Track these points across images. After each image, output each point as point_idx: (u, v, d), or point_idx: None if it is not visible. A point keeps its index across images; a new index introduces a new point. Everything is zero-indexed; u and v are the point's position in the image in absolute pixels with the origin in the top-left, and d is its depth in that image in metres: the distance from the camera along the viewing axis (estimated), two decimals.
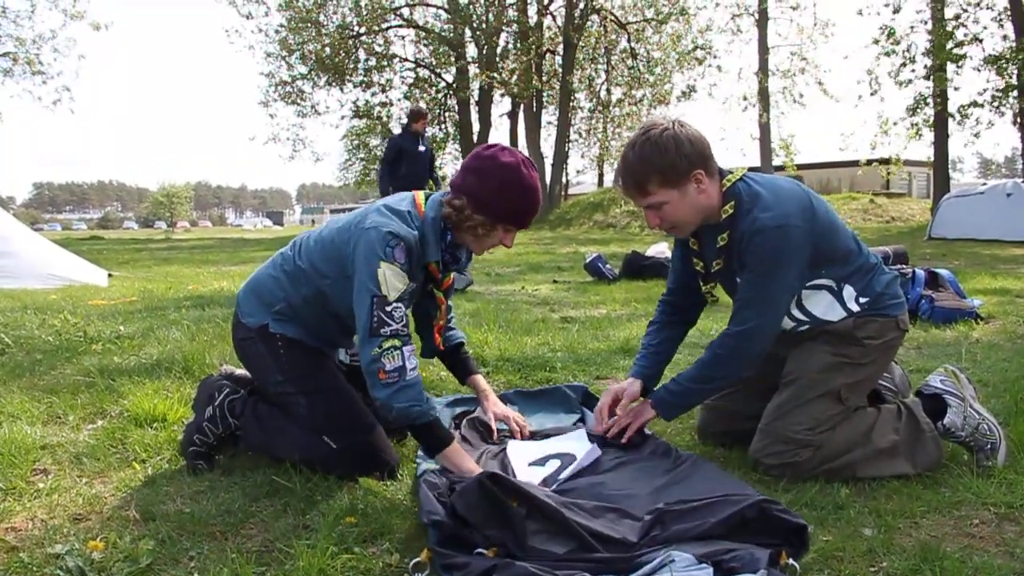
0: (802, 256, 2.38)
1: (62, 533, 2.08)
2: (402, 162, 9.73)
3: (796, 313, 2.53)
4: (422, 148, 9.81)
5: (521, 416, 2.86)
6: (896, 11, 24.15)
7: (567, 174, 39.20)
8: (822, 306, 2.51)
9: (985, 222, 16.98)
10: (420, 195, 2.58)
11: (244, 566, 1.85)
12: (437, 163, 9.74)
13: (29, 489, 2.41)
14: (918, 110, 24.31)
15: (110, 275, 10.37)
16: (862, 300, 2.52)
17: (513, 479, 1.90)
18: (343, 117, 41.85)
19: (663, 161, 2.33)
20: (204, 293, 7.93)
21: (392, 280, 2.36)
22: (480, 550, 1.81)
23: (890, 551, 1.95)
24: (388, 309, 2.35)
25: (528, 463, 2.54)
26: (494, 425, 2.79)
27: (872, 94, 24.83)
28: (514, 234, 2.56)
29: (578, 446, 2.60)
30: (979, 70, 23.50)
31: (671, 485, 2.17)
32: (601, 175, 44.72)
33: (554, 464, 2.49)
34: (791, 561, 1.77)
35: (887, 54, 24.73)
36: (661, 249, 10.40)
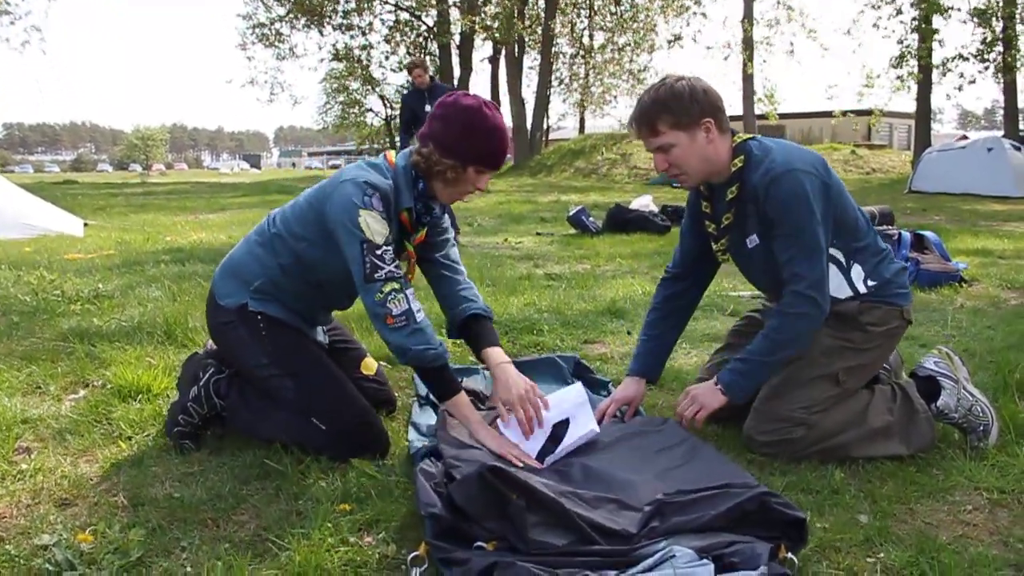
0: (820, 201, 2.36)
1: (48, 521, 2.03)
2: (417, 122, 9.59)
3: (782, 280, 2.50)
4: (428, 108, 9.58)
5: (536, 397, 2.57)
6: None
7: (548, 120, 38.87)
8: (831, 282, 2.47)
9: (965, 177, 17.05)
10: (391, 152, 2.55)
11: (238, 558, 1.82)
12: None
13: (12, 470, 2.35)
14: (903, 63, 24.21)
15: (85, 224, 10.19)
16: (870, 283, 2.51)
17: (512, 471, 1.87)
18: (322, 60, 41.07)
19: (677, 103, 2.37)
20: (183, 246, 7.82)
21: (375, 225, 2.33)
22: (480, 543, 1.79)
23: (887, 540, 1.95)
24: (379, 252, 2.32)
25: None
26: (505, 413, 2.54)
27: (859, 47, 24.72)
28: (487, 176, 2.51)
29: (575, 409, 2.54)
30: (965, 22, 23.39)
31: (670, 470, 2.15)
32: (582, 121, 44.41)
33: (546, 433, 2.46)
34: (790, 555, 1.76)
35: (874, 7, 24.56)
36: (645, 202, 10.37)
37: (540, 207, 14.74)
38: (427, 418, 2.69)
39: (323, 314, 2.77)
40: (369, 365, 2.83)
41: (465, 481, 1.84)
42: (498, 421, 2.51)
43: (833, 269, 2.49)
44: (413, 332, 2.33)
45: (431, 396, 2.81)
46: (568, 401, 2.64)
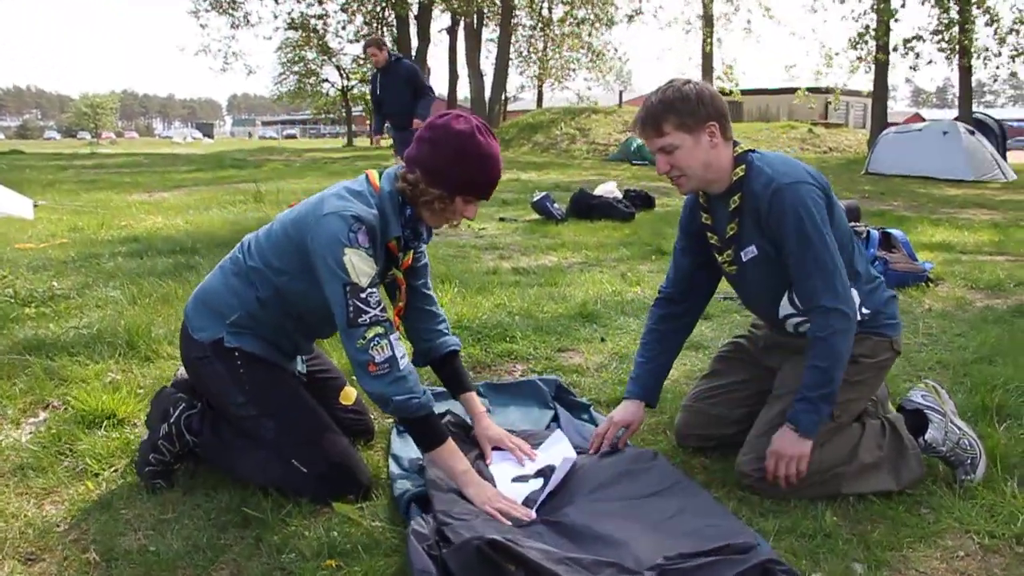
0: (823, 212, 2.34)
1: None
2: (378, 107, 9.50)
3: (796, 301, 2.47)
4: (379, 90, 9.37)
5: (517, 439, 2.65)
6: None
7: (506, 93, 38.61)
8: None
9: (921, 160, 17.30)
10: (373, 172, 2.41)
11: None
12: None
13: None
14: (862, 42, 24.40)
15: (36, 205, 9.87)
16: (864, 311, 2.48)
17: (512, 544, 1.80)
18: (277, 29, 40.43)
19: (683, 105, 2.34)
20: (139, 233, 7.60)
21: (360, 265, 2.20)
22: None
23: None
24: (363, 296, 2.20)
25: (511, 479, 2.45)
26: (488, 453, 2.60)
27: (819, 24, 24.99)
28: (475, 206, 2.41)
29: (559, 454, 2.51)
30: (923, 2, 23.60)
31: (666, 521, 2.10)
32: (540, 94, 44.20)
33: (536, 483, 2.41)
34: None
35: None
36: (609, 188, 10.33)
37: (500, 187, 14.27)
38: (408, 449, 2.60)
39: (305, 343, 2.67)
40: (348, 395, 2.74)
41: (461, 549, 1.78)
42: (487, 462, 2.49)
43: None
44: (396, 380, 2.22)
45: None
46: (550, 447, 2.60)
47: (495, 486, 2.35)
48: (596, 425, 2.87)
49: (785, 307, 2.51)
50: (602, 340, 4.18)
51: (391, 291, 2.56)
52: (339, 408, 2.69)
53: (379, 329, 2.22)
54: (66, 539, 2.14)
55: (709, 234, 2.58)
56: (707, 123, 2.36)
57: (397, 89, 9.20)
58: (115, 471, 2.54)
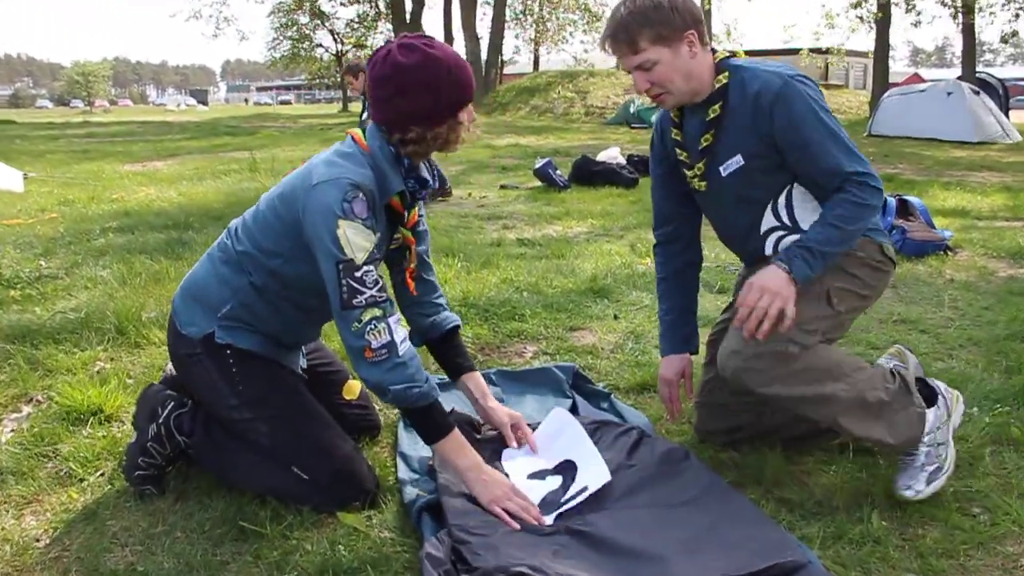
0: (826, 105, 2.17)
1: None
2: None
3: (781, 213, 2.29)
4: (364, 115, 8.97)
5: (524, 423, 2.47)
6: None
7: (502, 56, 38.10)
8: (809, 214, 2.25)
9: (924, 121, 17.00)
10: (357, 131, 2.18)
11: None
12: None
13: None
14: (861, 3, 24.01)
15: (26, 177, 9.64)
16: None
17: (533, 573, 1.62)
18: None
19: (657, 15, 2.15)
20: (130, 208, 7.38)
21: (356, 239, 1.99)
22: None
23: None
24: (358, 275, 1.99)
25: (527, 475, 2.27)
26: (509, 436, 2.42)
27: None
28: (470, 105, 2.18)
29: (579, 451, 2.32)
30: None
31: (704, 534, 1.91)
32: (536, 58, 43.68)
33: (555, 481, 2.23)
34: None
35: None
36: (612, 154, 10.10)
37: (499, 151, 14.39)
38: (417, 446, 2.41)
39: (309, 331, 2.45)
40: (352, 389, 2.53)
41: None
42: (504, 454, 2.34)
43: (814, 203, 2.26)
44: (394, 367, 2.02)
45: None
46: (560, 432, 2.42)
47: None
48: (618, 415, 2.69)
49: (769, 220, 2.31)
50: (615, 317, 4.00)
51: (400, 255, 2.33)
52: (342, 403, 2.49)
53: (376, 311, 2.01)
54: (46, 556, 1.96)
55: (678, 151, 2.41)
56: (685, 31, 2.16)
57: None
58: (101, 475, 2.35)
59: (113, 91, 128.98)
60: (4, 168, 9.53)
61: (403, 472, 2.31)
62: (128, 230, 6.13)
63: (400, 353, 2.03)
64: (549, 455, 2.34)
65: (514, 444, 2.40)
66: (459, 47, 34.39)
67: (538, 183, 9.34)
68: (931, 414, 2.27)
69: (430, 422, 2.11)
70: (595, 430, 2.42)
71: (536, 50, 42.22)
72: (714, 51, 2.26)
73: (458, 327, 2.52)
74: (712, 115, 2.24)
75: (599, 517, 2.01)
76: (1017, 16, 23.40)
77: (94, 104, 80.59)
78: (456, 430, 2.14)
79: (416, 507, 2.06)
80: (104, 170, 11.09)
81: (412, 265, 2.35)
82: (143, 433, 2.25)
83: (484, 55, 32.00)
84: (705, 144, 2.28)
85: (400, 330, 2.06)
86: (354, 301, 2.00)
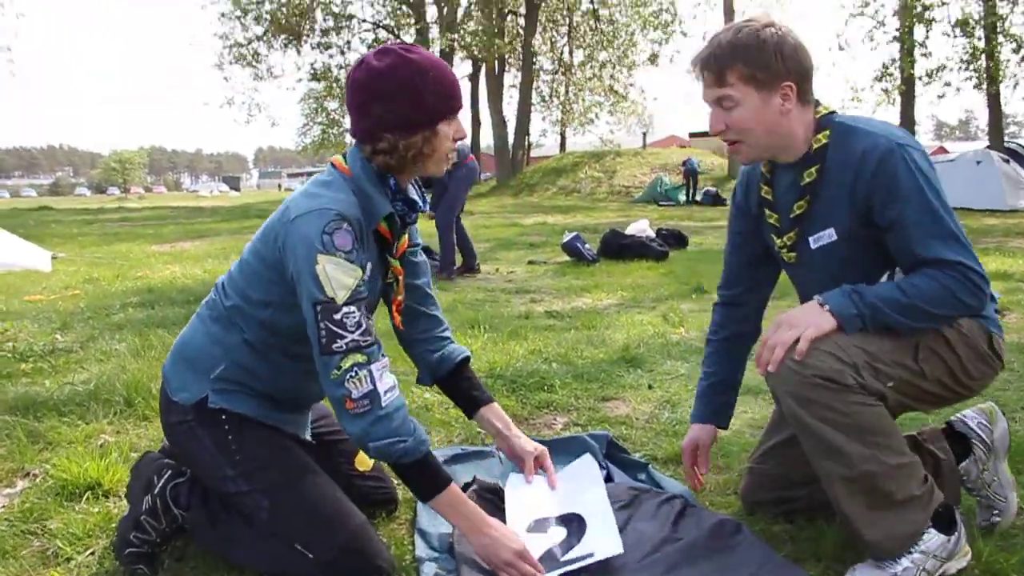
0: (936, 178, 1.86)
1: None
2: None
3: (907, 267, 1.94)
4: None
5: (549, 459, 2.31)
6: None
7: (529, 138, 38.55)
8: None
9: (955, 190, 16.69)
10: (338, 157, 2.02)
11: None
12: None
13: None
14: (885, 76, 24.11)
15: (54, 257, 9.67)
16: None
17: None
18: (300, 80, 40.65)
19: (758, 55, 1.89)
20: (154, 284, 7.30)
21: (337, 276, 1.80)
22: None
23: None
24: (338, 316, 1.81)
25: (527, 527, 2.07)
26: (529, 467, 2.26)
27: (844, 59, 24.83)
28: (457, 121, 2.00)
29: (592, 510, 2.11)
30: (947, 35, 23.29)
31: None
32: (563, 139, 44.14)
33: (558, 534, 2.03)
34: None
35: (855, 15, 24.49)
36: (641, 227, 9.97)
37: (527, 230, 14.35)
38: (437, 522, 2.19)
39: (313, 390, 2.19)
40: (364, 460, 2.31)
41: None
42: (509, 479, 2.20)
43: None
44: (377, 420, 1.82)
45: None
46: (580, 482, 2.23)
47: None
48: (656, 486, 2.46)
49: None
50: (649, 387, 3.77)
51: (388, 287, 2.15)
52: (355, 475, 2.27)
53: (359, 357, 1.83)
54: None
55: (768, 212, 2.15)
56: (782, 81, 1.91)
57: None
58: (91, 554, 2.14)
59: (149, 179, 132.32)
60: (33, 249, 9.59)
61: (421, 550, 2.08)
62: (149, 305, 6.03)
63: (383, 404, 1.84)
64: (558, 501, 2.15)
65: (531, 476, 2.22)
66: (486, 130, 34.90)
67: (566, 258, 9.21)
68: (937, 538, 1.90)
69: (420, 478, 1.92)
70: (633, 498, 2.20)
71: (563, 131, 42.70)
72: (818, 104, 2.01)
73: (468, 359, 2.34)
74: (807, 179, 1.99)
75: None
76: None
77: (130, 191, 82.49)
78: (453, 485, 1.93)
79: None
80: (132, 251, 11.12)
81: (399, 297, 2.16)
82: (137, 505, 2.06)
83: (511, 138, 32.37)
84: (798, 212, 2.03)
85: (387, 378, 1.87)
86: (334, 346, 1.82)
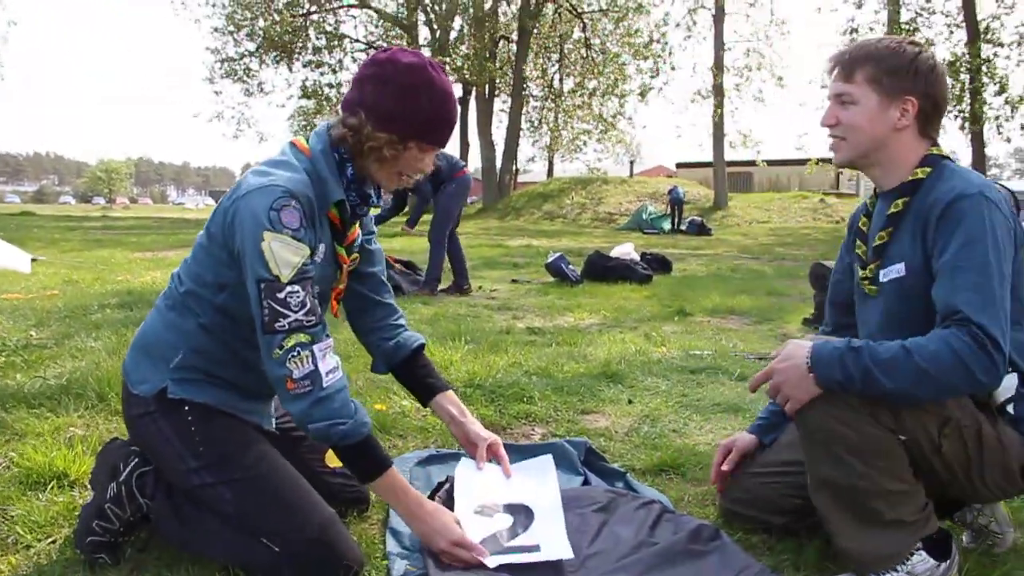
0: (1009, 248, 1.80)
1: None
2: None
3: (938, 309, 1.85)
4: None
5: (502, 448, 2.30)
6: (858, 6, 24.21)
7: (517, 163, 38.68)
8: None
9: None
10: (299, 137, 2.00)
11: None
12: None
13: None
14: None
15: (34, 260, 9.57)
16: (1010, 409, 1.89)
17: None
18: (290, 97, 40.81)
19: (892, 61, 1.91)
20: (133, 287, 7.22)
21: (282, 253, 1.77)
22: None
23: None
24: (281, 295, 1.78)
25: (474, 509, 2.06)
26: (482, 454, 2.25)
27: (825, 88, 25.09)
28: (431, 155, 1.98)
29: (542, 504, 2.10)
30: None
31: None
32: (551, 164, 44.34)
33: (504, 520, 2.02)
34: None
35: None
36: (626, 250, 9.99)
37: (511, 251, 14.34)
38: None
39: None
40: (334, 455, 2.28)
41: None
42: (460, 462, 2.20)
43: (1010, 375, 1.86)
44: (317, 401, 1.80)
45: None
46: (532, 475, 2.22)
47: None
48: (633, 491, 2.43)
49: None
50: (629, 402, 3.74)
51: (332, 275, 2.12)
52: (324, 471, 2.23)
53: (301, 337, 1.80)
54: None
55: (858, 243, 2.12)
56: (906, 95, 1.91)
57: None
58: (52, 542, 2.07)
59: (135, 190, 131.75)
60: (13, 250, 9.47)
61: (392, 547, 2.04)
62: (127, 307, 5.95)
63: (324, 385, 1.82)
64: (508, 490, 2.14)
65: (482, 464, 2.21)
66: (475, 153, 35.00)
67: (550, 279, 9.19)
68: (927, 562, 1.84)
69: (360, 461, 1.90)
70: (611, 501, 2.16)
71: (551, 158, 42.89)
72: (935, 143, 1.99)
73: (423, 345, 2.33)
74: (894, 209, 1.96)
75: None
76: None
77: (115, 201, 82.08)
78: (394, 469, 1.92)
79: None
80: (114, 256, 11.04)
81: (340, 287, 2.14)
82: (101, 493, 2.00)
83: (499, 162, 32.47)
84: (880, 242, 2.00)
85: (329, 359, 1.84)
86: (276, 325, 1.79)
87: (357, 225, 2.11)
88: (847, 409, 1.75)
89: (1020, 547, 2.13)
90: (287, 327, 1.78)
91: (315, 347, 1.81)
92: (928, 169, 1.93)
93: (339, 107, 1.99)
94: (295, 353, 1.79)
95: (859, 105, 1.93)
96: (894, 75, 1.90)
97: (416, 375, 2.32)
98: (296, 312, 1.79)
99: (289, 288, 1.79)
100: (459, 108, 1.89)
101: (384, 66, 1.89)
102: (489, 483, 2.18)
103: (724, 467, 2.32)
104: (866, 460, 1.77)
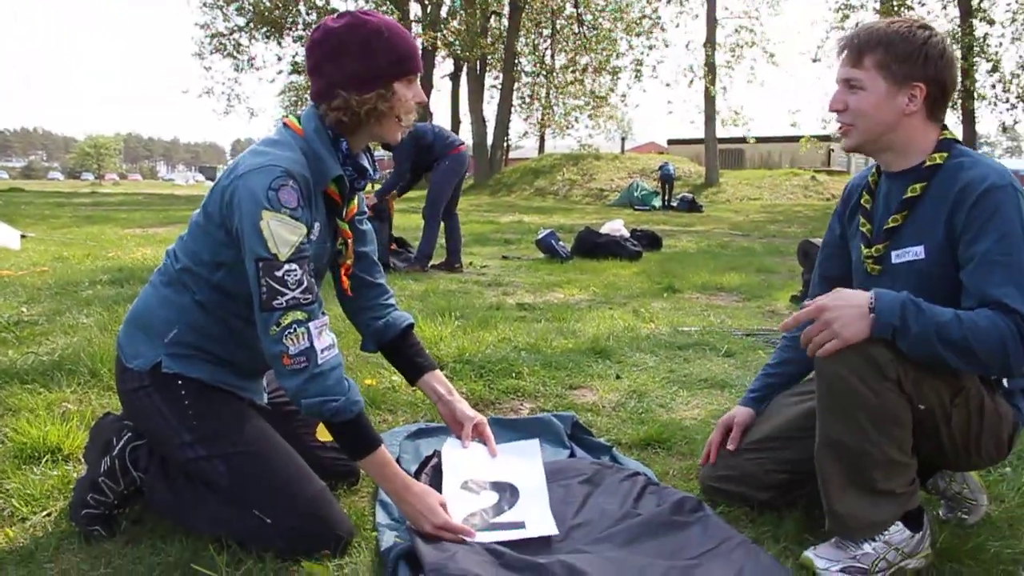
0: None
1: None
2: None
3: (969, 299, 1.88)
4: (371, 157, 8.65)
5: (488, 428, 2.35)
6: None
7: (508, 139, 38.58)
8: None
9: None
10: (291, 118, 2.04)
11: None
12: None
13: None
14: None
15: (23, 236, 9.55)
16: (1005, 382, 1.97)
17: None
18: (280, 72, 40.53)
19: (902, 46, 1.90)
20: (125, 264, 7.22)
21: (280, 232, 1.81)
22: None
23: None
24: (279, 274, 1.81)
25: (460, 484, 2.11)
26: (468, 427, 2.30)
27: (824, 71, 25.06)
28: (416, 83, 2.02)
29: (527, 483, 2.14)
30: None
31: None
32: (542, 141, 44.22)
33: (489, 498, 2.07)
34: None
35: (837, 27, 24.75)
36: (616, 227, 9.99)
37: (502, 227, 14.35)
38: None
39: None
40: (325, 430, 2.32)
41: None
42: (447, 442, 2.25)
43: None
44: (311, 378, 1.84)
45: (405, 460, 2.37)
46: (518, 455, 2.27)
47: (440, 489, 2.08)
48: (619, 465, 2.47)
49: None
50: (617, 377, 3.79)
51: (338, 254, 2.18)
52: (316, 446, 2.27)
53: (298, 315, 1.83)
54: None
55: (862, 220, 2.13)
56: (915, 81, 1.91)
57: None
58: (47, 515, 2.12)
59: (124, 166, 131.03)
60: (3, 227, 9.43)
61: (381, 518, 2.08)
62: (119, 283, 5.97)
63: (319, 362, 1.85)
64: (493, 469, 2.19)
65: (467, 442, 2.26)
66: (466, 129, 34.89)
67: (540, 255, 9.22)
68: (903, 532, 1.90)
69: (351, 437, 1.94)
70: (596, 472, 2.21)
71: (542, 134, 42.76)
72: (945, 127, 2.01)
73: (412, 325, 2.37)
74: (911, 194, 1.98)
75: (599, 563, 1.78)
76: (1014, 106, 23.61)
77: (104, 177, 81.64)
78: (383, 448, 1.96)
79: (393, 554, 1.83)
80: (104, 232, 11.00)
81: (348, 262, 2.19)
82: (95, 467, 2.04)
83: (490, 138, 32.39)
84: (892, 224, 2.02)
85: (325, 337, 1.88)
86: (274, 302, 1.83)
87: (356, 202, 2.14)
88: (873, 370, 1.78)
89: (993, 519, 2.19)
90: (284, 305, 1.82)
91: (311, 324, 1.85)
92: (945, 154, 1.95)
93: (312, 104, 2.02)
94: (292, 330, 1.82)
95: (867, 91, 1.93)
96: (904, 62, 1.90)
97: (405, 354, 2.35)
98: (293, 290, 1.83)
99: (287, 266, 1.82)
100: (407, 29, 1.93)
101: (328, 42, 1.93)
102: (476, 461, 2.23)
103: (729, 446, 2.32)
104: (880, 427, 1.81)
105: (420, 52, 2.03)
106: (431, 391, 2.34)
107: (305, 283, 1.85)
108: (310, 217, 1.94)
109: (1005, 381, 1.97)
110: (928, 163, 1.96)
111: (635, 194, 24.65)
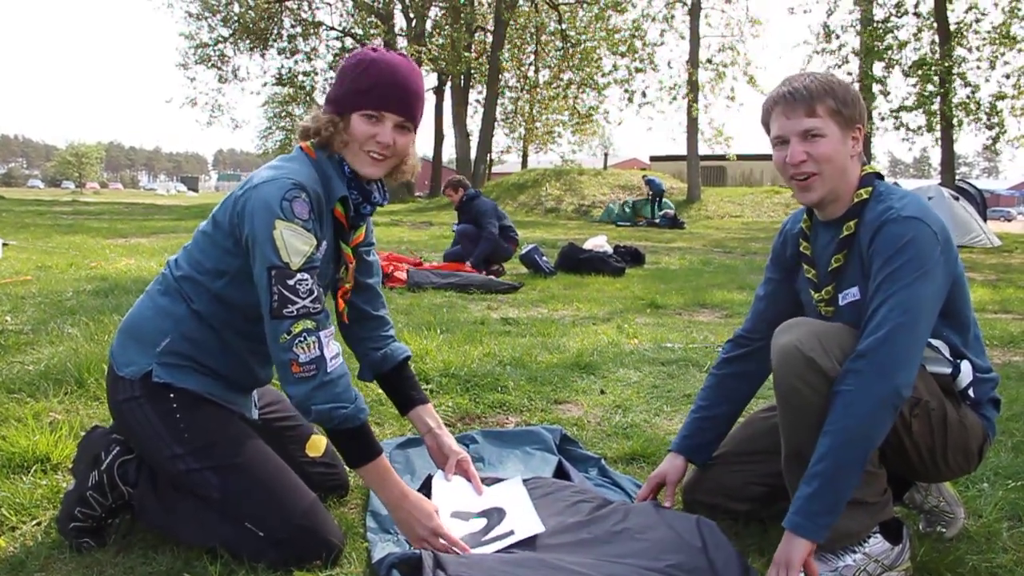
0: (939, 266, 1.88)
1: None
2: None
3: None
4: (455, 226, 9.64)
5: (471, 465, 2.34)
6: (830, 13, 24.47)
7: (492, 154, 38.64)
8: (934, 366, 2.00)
9: None
10: (305, 142, 2.08)
11: None
12: None
13: None
14: None
15: (5, 244, 9.49)
16: (971, 394, 2.03)
17: None
18: (265, 84, 40.38)
19: (843, 93, 1.98)
20: (108, 274, 7.21)
21: (292, 242, 1.85)
22: None
23: None
24: (291, 282, 1.85)
25: (451, 512, 2.14)
26: (452, 461, 2.30)
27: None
28: (386, 124, 1.99)
29: (512, 504, 2.18)
30: (907, 75, 23.83)
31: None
32: (525, 155, 44.32)
33: (478, 523, 2.10)
34: None
35: (819, 52, 25.00)
36: (599, 243, 10.05)
37: None
38: None
39: (260, 370, 2.22)
40: (316, 445, 2.33)
41: None
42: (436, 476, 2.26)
43: (942, 363, 2.00)
44: (321, 385, 1.87)
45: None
46: (503, 491, 2.28)
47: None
48: (610, 480, 2.54)
49: None
50: (602, 392, 3.83)
51: (338, 274, 2.21)
52: (305, 461, 2.29)
53: (308, 323, 1.87)
54: None
55: (806, 267, 2.17)
56: (856, 124, 2.00)
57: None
58: (37, 524, 2.13)
59: (105, 175, 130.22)
60: None
61: (372, 525, 2.11)
62: (103, 293, 5.95)
63: (329, 370, 1.90)
64: (482, 500, 2.23)
65: (450, 475, 2.28)
66: (449, 143, 34.96)
67: (524, 270, 9.25)
68: (883, 544, 1.96)
69: (355, 445, 1.98)
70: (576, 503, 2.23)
71: (525, 149, 42.88)
72: (865, 163, 2.07)
73: (409, 358, 2.41)
74: (846, 232, 2.02)
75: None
76: (991, 128, 23.85)
77: (85, 186, 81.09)
78: (383, 458, 1.99)
79: (385, 564, 1.85)
80: (87, 242, 10.96)
81: (347, 286, 2.22)
82: (83, 481, 2.04)
83: (474, 152, 32.44)
84: (835, 265, 2.06)
85: (333, 345, 1.93)
86: (285, 310, 1.86)
87: (363, 231, 2.18)
88: (825, 380, 1.85)
89: (972, 533, 2.24)
90: (295, 313, 1.85)
91: (321, 333, 1.88)
92: (868, 189, 2.02)
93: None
94: (302, 339, 1.86)
95: (828, 138, 1.97)
96: (849, 106, 1.97)
97: (400, 386, 2.38)
98: (304, 299, 1.87)
99: (299, 275, 1.86)
100: (404, 74, 1.92)
101: (342, 66, 2.05)
102: (464, 492, 2.26)
103: (665, 503, 2.29)
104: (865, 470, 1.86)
105: (409, 98, 2.03)
106: (420, 423, 2.36)
107: (315, 293, 1.89)
108: (320, 232, 1.97)
109: (971, 391, 2.02)
110: (855, 200, 2.02)
111: (617, 211, 24.70)
